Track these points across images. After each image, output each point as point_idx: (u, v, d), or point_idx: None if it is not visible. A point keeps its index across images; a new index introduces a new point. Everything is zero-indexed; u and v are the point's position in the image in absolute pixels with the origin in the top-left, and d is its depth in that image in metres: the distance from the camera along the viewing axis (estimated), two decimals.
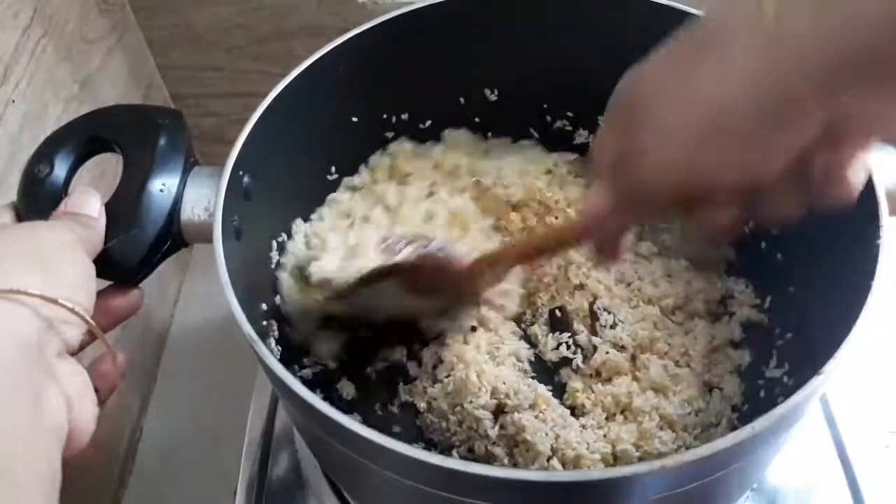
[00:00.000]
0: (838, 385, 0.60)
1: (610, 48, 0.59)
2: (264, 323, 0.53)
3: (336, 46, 0.54)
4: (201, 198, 0.47)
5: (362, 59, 0.55)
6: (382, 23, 0.55)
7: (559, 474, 0.42)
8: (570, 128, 0.66)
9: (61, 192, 0.45)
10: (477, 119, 0.65)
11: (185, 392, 0.81)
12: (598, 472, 0.34)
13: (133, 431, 0.78)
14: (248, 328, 0.40)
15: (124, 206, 0.45)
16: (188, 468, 0.75)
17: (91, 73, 0.71)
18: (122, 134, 0.47)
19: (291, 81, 0.52)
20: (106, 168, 0.58)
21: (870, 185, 0.43)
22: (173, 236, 0.47)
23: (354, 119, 0.60)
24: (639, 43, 0.57)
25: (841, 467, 0.57)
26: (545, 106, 0.65)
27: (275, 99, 0.51)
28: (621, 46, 0.58)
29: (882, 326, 0.66)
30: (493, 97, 0.64)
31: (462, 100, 0.64)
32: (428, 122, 0.64)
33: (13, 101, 0.59)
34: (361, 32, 0.55)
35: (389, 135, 0.63)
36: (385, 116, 0.62)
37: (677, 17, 0.54)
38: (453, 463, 0.34)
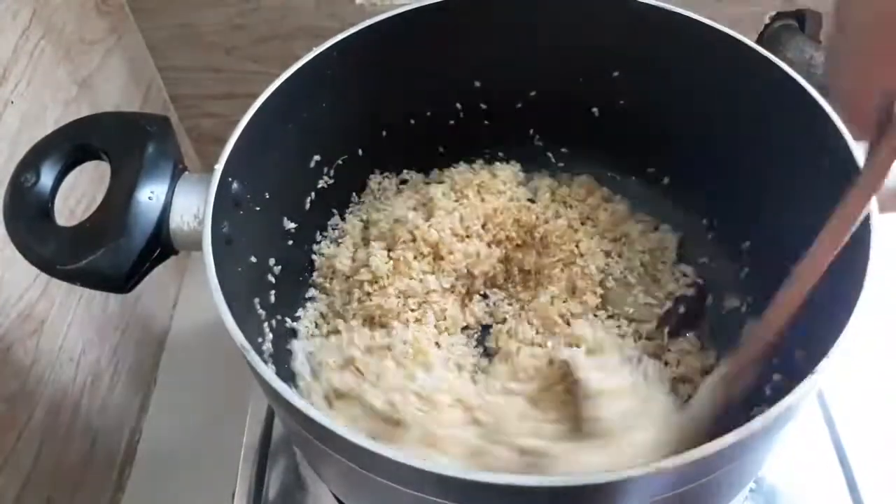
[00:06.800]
0: (838, 385, 0.60)
1: (611, 49, 0.59)
2: (262, 313, 0.53)
3: (326, 49, 0.53)
4: (190, 205, 0.46)
5: (355, 61, 0.54)
6: (374, 24, 0.54)
7: (556, 479, 0.42)
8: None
9: (48, 201, 0.45)
10: (471, 123, 0.65)
11: (184, 394, 0.81)
12: (595, 476, 0.34)
13: (132, 433, 0.79)
14: (240, 338, 0.39)
15: (112, 214, 0.45)
16: (187, 470, 0.75)
17: (90, 75, 0.71)
18: (109, 142, 0.47)
19: (281, 85, 0.51)
20: (104, 171, 0.58)
21: None
22: (162, 244, 0.46)
23: (347, 122, 0.59)
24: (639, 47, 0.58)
25: (840, 467, 0.57)
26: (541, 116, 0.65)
27: (265, 101, 0.50)
28: (622, 49, 0.59)
29: (880, 326, 0.66)
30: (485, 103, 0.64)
31: (457, 103, 0.64)
32: (425, 125, 0.64)
33: (12, 102, 0.59)
34: (351, 34, 0.54)
35: (383, 133, 0.63)
36: (380, 119, 0.62)
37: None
38: (450, 469, 0.34)
